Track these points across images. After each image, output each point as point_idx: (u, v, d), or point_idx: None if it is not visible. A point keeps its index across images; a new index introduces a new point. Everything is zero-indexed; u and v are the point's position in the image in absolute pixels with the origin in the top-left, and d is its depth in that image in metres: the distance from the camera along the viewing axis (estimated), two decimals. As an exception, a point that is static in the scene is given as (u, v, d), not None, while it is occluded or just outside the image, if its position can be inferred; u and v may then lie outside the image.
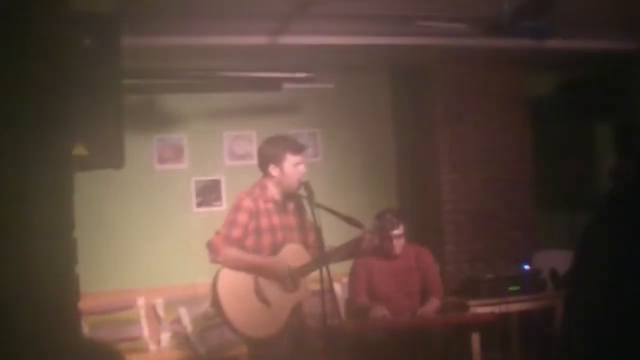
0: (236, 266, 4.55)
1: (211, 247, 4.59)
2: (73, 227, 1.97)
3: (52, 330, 1.85)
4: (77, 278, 1.97)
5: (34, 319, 1.80)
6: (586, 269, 1.34)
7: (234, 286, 4.54)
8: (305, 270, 4.70)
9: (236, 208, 4.66)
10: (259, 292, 4.56)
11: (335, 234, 4.91)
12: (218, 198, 6.80)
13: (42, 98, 1.91)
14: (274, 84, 6.65)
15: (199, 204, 6.77)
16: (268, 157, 4.77)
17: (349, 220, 4.72)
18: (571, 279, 1.42)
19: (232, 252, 4.55)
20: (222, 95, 6.79)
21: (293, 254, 4.72)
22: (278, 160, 4.73)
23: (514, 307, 6.09)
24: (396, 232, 5.50)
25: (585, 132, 7.54)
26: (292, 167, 4.72)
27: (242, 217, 4.61)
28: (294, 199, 4.84)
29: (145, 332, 6.23)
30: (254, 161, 6.73)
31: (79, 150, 2.51)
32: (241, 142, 6.89)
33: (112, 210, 6.47)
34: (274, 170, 4.73)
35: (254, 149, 6.80)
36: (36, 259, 1.83)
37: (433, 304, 5.54)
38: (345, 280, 6.22)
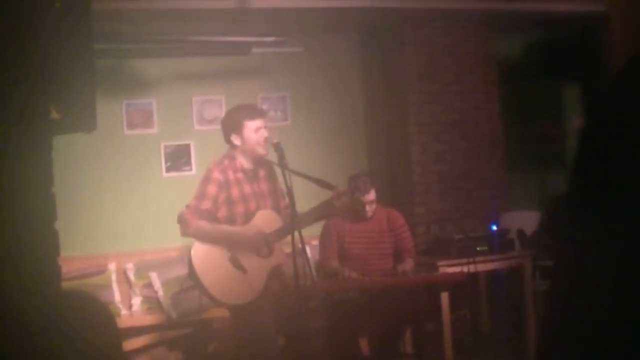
0: (207, 238, 4.59)
1: (181, 220, 4.63)
2: (52, 183, 1.97)
3: (32, 282, 1.86)
4: (56, 233, 1.97)
5: (15, 271, 1.81)
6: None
7: (209, 257, 4.58)
8: (279, 234, 4.74)
9: (205, 180, 4.71)
10: (234, 260, 4.60)
11: (305, 198, 4.94)
12: (187, 163, 6.77)
13: (17, 60, 1.90)
14: (243, 48, 6.61)
15: (168, 169, 6.74)
16: (228, 127, 4.81)
17: (319, 182, 4.76)
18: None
19: (203, 225, 4.59)
20: (190, 60, 6.74)
21: (265, 219, 4.76)
22: (238, 129, 4.76)
23: (482, 267, 6.15)
24: (369, 197, 5.55)
25: (554, 93, 7.61)
26: (253, 132, 4.76)
27: (212, 189, 4.65)
28: (265, 165, 4.87)
29: (117, 297, 6.24)
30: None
31: (51, 113, 2.50)
32: (210, 107, 6.86)
33: (82, 176, 6.42)
34: (236, 140, 4.77)
35: (222, 113, 6.76)
36: (17, 214, 1.83)
37: (410, 263, 5.61)
38: (314, 243, 6.25)
